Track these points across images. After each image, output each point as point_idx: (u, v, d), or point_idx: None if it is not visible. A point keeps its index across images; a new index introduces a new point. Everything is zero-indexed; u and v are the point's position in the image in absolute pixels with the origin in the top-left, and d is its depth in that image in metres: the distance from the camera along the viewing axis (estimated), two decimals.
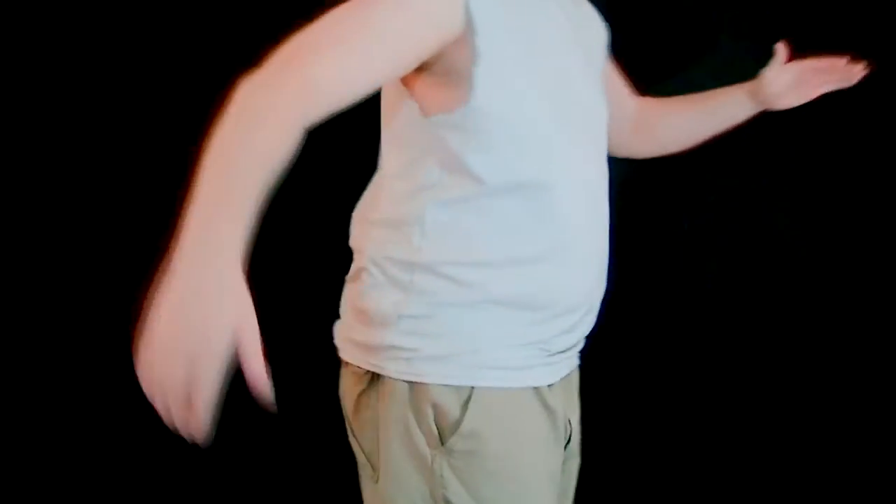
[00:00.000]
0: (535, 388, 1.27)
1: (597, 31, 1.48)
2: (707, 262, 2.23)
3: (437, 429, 1.22)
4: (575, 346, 1.35)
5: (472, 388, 1.22)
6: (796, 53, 1.59)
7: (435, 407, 1.22)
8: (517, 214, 1.22)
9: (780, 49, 1.60)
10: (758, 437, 2.24)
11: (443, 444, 1.22)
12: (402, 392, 1.24)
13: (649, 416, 2.27)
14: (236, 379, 2.48)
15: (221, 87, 2.16)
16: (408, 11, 1.09)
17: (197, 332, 0.82)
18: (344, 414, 1.37)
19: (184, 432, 0.85)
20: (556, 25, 1.30)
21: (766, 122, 1.95)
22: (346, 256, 1.41)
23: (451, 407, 1.22)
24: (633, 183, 2.13)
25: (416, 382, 1.23)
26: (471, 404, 1.21)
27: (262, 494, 2.39)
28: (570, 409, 1.37)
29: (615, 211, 1.36)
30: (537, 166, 1.22)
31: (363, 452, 1.32)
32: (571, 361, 1.37)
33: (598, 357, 1.38)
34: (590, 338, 1.37)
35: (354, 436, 1.33)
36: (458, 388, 1.22)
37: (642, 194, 2.22)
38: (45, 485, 2.36)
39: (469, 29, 1.14)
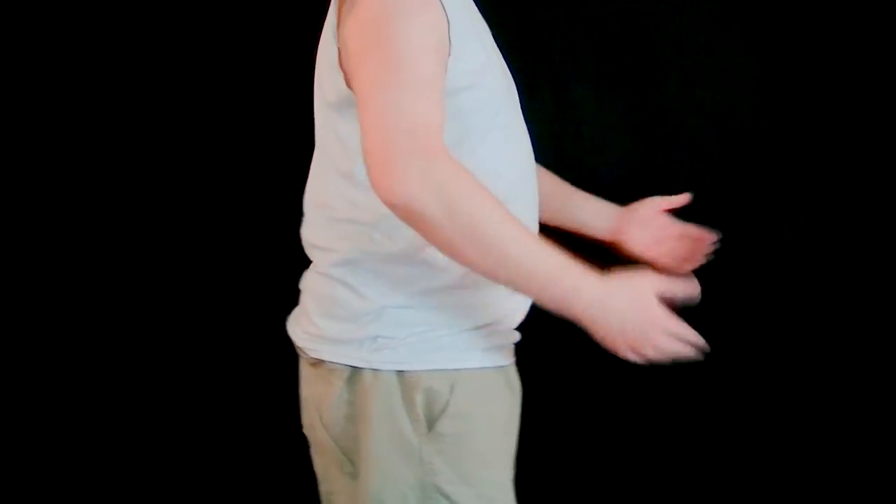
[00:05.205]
0: (503, 369, 1.32)
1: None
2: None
3: (426, 415, 1.24)
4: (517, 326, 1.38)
5: (457, 370, 1.25)
6: (796, 53, 1.59)
7: (427, 392, 1.24)
8: None
9: (683, 198, 1.57)
10: (694, 429, 2.20)
11: (430, 430, 1.24)
12: (390, 382, 1.25)
13: (579, 408, 2.23)
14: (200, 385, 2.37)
15: (216, 87, 2.16)
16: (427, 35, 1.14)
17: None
18: (309, 413, 1.37)
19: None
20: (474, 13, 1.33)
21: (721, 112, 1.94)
22: (293, 255, 1.39)
23: (442, 391, 1.24)
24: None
25: (405, 371, 1.25)
26: (457, 387, 1.25)
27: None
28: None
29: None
30: (498, 146, 1.26)
31: (339, 450, 1.33)
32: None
33: (529, 349, 1.38)
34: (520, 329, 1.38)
35: (328, 433, 1.33)
36: (445, 372, 1.25)
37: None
38: (45, 485, 2.37)
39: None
